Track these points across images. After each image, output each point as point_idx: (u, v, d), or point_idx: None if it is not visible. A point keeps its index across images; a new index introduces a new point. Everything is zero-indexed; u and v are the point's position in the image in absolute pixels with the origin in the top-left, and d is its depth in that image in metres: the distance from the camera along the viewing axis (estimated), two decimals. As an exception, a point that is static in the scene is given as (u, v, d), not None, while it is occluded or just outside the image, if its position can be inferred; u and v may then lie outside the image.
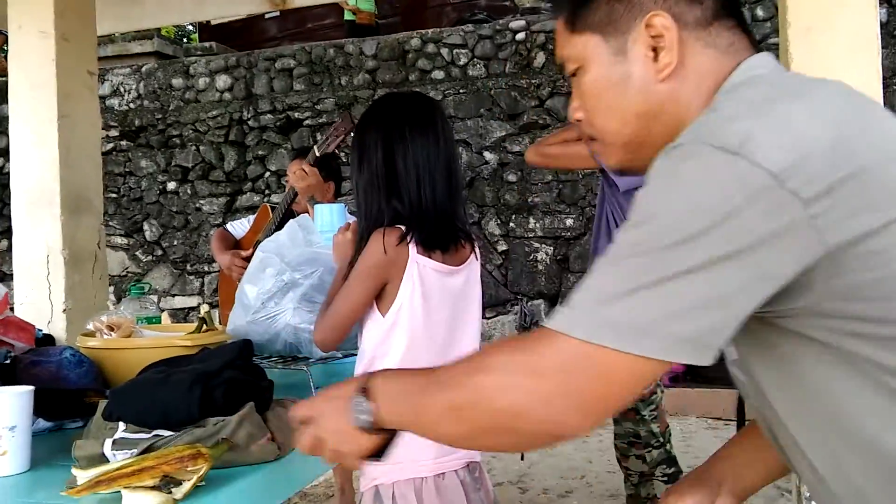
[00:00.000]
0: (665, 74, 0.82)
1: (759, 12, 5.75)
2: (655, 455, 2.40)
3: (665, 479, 2.41)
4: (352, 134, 1.63)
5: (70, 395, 1.37)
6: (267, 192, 6.84)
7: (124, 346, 1.50)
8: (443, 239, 1.47)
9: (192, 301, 7.00)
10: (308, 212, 2.34)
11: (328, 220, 2.15)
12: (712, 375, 2.81)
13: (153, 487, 0.96)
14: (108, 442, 1.08)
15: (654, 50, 0.82)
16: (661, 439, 2.43)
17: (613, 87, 0.84)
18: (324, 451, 0.88)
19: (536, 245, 6.14)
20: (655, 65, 0.82)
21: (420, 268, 1.41)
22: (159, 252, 7.21)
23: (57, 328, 2.95)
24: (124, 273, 7.27)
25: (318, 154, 2.41)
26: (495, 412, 0.71)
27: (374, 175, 1.47)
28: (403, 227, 1.43)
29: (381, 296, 1.44)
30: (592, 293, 0.70)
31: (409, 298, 1.41)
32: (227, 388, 1.15)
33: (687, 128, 0.73)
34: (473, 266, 1.56)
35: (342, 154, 4.04)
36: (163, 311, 6.83)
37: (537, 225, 6.12)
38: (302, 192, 2.30)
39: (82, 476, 0.99)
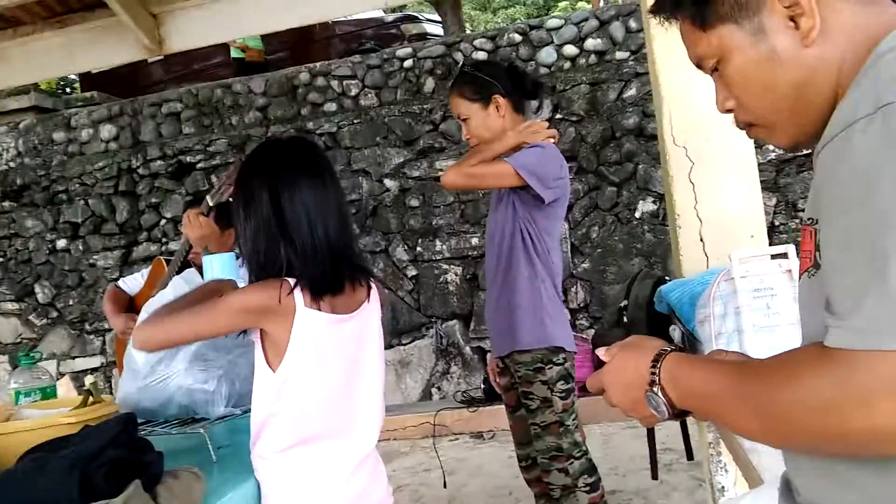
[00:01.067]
0: (811, 39, 0.81)
1: None
2: (577, 466, 2.40)
3: (587, 488, 2.41)
4: None
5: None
6: (164, 240, 6.63)
7: (1, 431, 1.41)
8: (337, 282, 1.43)
9: (94, 361, 6.70)
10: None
11: (217, 271, 2.10)
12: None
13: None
14: (-17, 543, 1.02)
15: (792, 19, 0.82)
16: (583, 448, 2.45)
17: (762, 66, 0.84)
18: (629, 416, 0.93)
19: (445, 267, 6.17)
20: (798, 32, 0.82)
21: (309, 321, 1.37)
22: (54, 314, 6.87)
23: (-60, 412, 2.77)
24: (18, 340, 6.90)
25: (210, 204, 2.33)
26: (842, 437, 0.67)
27: (263, 222, 1.42)
28: (292, 280, 1.39)
29: (268, 348, 1.40)
30: (882, 295, 0.64)
31: (299, 354, 1.36)
32: (109, 468, 1.09)
33: (876, 83, 0.71)
34: (369, 309, 1.52)
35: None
36: (62, 375, 6.51)
37: (444, 247, 6.16)
38: (196, 242, 2.21)
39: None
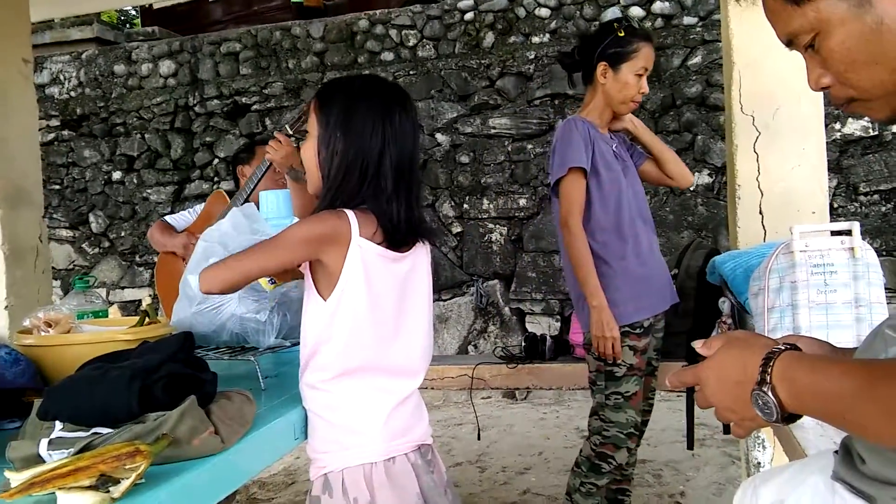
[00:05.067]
0: None
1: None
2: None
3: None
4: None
5: (6, 395, 1.33)
6: (216, 179, 6.73)
7: (62, 342, 1.45)
8: (402, 221, 1.43)
9: (142, 293, 6.87)
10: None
11: (274, 206, 2.12)
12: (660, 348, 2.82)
13: (90, 487, 0.93)
14: (44, 442, 1.05)
15: None
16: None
17: (869, 38, 0.80)
18: (720, 418, 0.88)
19: (491, 226, 6.15)
20: None
21: (363, 252, 1.38)
22: (106, 244, 7.05)
23: (-1, 326, 2.87)
24: (71, 266, 7.10)
25: (290, 131, 2.34)
26: None
27: (362, 158, 1.41)
28: (349, 211, 1.39)
29: (320, 279, 1.41)
30: None
31: (351, 283, 1.37)
32: (167, 382, 1.12)
33: None
34: (419, 253, 1.52)
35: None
36: (112, 304, 6.70)
37: (491, 206, 6.13)
38: (280, 164, 2.22)
39: (16, 479, 0.96)
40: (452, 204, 6.23)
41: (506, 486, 3.54)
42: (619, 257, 2.35)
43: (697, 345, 0.92)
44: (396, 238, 1.43)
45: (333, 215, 1.39)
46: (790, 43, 0.88)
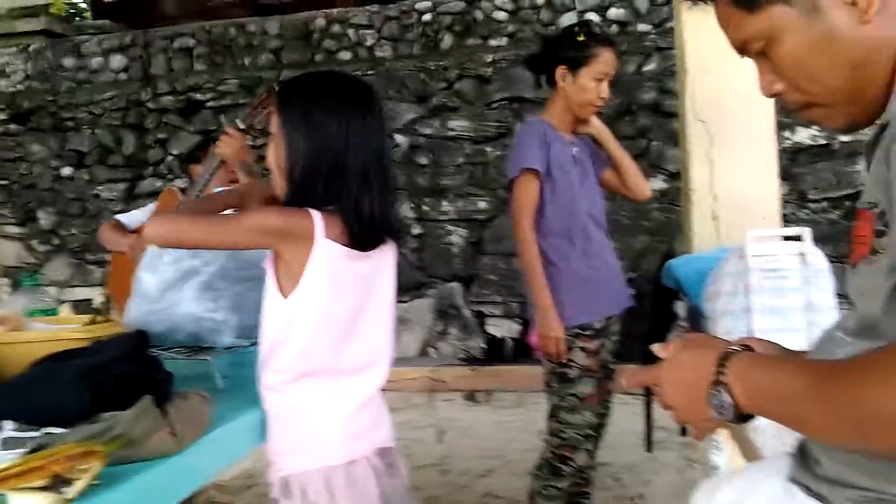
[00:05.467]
0: (870, 15, 0.79)
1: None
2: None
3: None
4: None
5: (-50, 395, 1.28)
6: (169, 176, 6.59)
7: (10, 340, 1.41)
8: (367, 220, 1.40)
9: (94, 292, 6.70)
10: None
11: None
12: (616, 350, 2.85)
13: (42, 488, 0.90)
14: (-6, 443, 1.02)
15: None
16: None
17: (817, 46, 0.82)
18: (677, 419, 0.89)
19: (450, 228, 6.15)
20: (856, 9, 0.80)
21: (327, 253, 1.36)
22: (56, 241, 6.86)
23: (-60, 324, 2.77)
24: (20, 265, 6.89)
25: (241, 126, 2.29)
26: None
27: (326, 157, 1.38)
28: (313, 210, 1.37)
29: (282, 276, 1.39)
30: None
31: (313, 283, 1.35)
32: (119, 381, 1.10)
33: None
34: (385, 251, 1.50)
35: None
36: (63, 303, 6.53)
37: (451, 208, 6.14)
38: (230, 159, 2.16)
39: (-38, 481, 0.92)
40: (412, 205, 6.22)
41: (467, 490, 3.54)
42: (566, 259, 2.37)
43: (656, 348, 0.92)
44: (362, 239, 1.41)
45: (296, 212, 1.36)
46: (742, 49, 0.89)
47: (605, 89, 2.38)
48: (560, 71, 2.37)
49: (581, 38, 2.35)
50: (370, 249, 1.44)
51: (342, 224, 1.38)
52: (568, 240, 2.38)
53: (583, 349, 2.34)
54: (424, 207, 6.18)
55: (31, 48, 6.97)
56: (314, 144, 1.39)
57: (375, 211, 1.41)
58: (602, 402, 2.47)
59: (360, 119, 1.41)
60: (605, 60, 2.35)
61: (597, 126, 2.51)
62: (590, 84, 2.35)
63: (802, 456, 0.90)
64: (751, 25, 0.85)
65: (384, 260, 1.50)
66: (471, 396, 5.34)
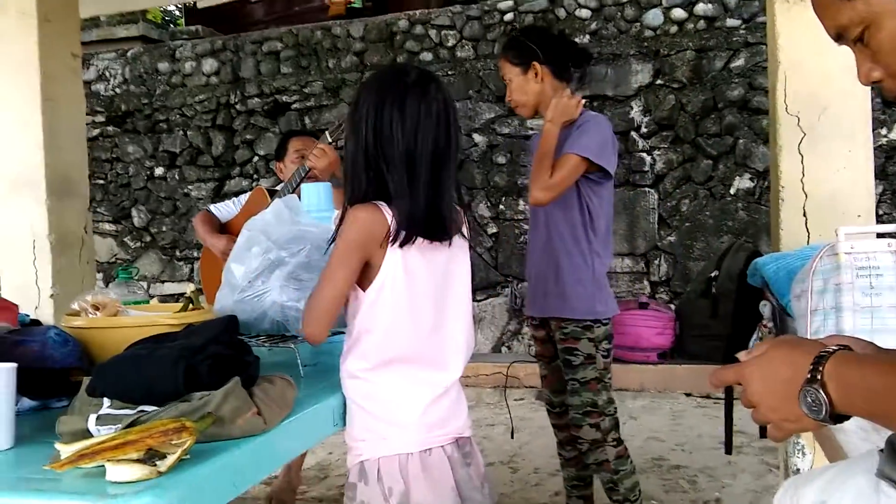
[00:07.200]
0: None
1: (748, -9, 5.74)
2: (608, 422, 2.48)
3: (614, 443, 2.49)
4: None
5: (55, 375, 1.36)
6: (255, 176, 6.81)
7: (109, 325, 1.49)
8: (432, 214, 1.42)
9: (182, 287, 6.97)
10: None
11: (315, 199, 2.14)
12: (696, 352, 2.77)
13: (137, 460, 0.95)
14: (93, 417, 1.07)
15: None
16: (615, 406, 2.52)
17: None
18: (759, 418, 0.86)
19: (526, 227, 6.12)
20: None
21: (400, 241, 1.38)
22: (148, 238, 7.18)
23: (44, 313, 2.94)
24: (113, 260, 7.24)
25: (330, 140, 2.41)
26: None
27: (363, 146, 1.42)
28: (383, 204, 1.40)
29: (362, 271, 1.42)
30: None
31: (390, 274, 1.38)
32: (211, 362, 1.14)
33: None
34: (458, 244, 1.52)
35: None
36: (152, 297, 6.81)
37: (527, 207, 6.11)
38: (322, 172, 2.25)
39: (65, 451, 0.98)
40: (488, 204, 6.23)
41: (537, 488, 3.53)
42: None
43: (742, 356, 0.90)
44: (427, 230, 1.42)
45: (365, 212, 1.40)
46: (839, 37, 0.87)
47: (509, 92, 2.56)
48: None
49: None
50: (441, 240, 1.45)
51: (410, 214, 1.40)
52: (533, 230, 2.59)
53: (590, 339, 2.44)
54: (501, 206, 6.18)
55: (129, 53, 7.31)
56: (369, 137, 1.42)
57: (433, 203, 1.42)
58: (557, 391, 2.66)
59: (413, 111, 1.41)
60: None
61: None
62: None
63: (892, 451, 0.86)
64: (848, 11, 0.83)
65: (458, 253, 1.52)
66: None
